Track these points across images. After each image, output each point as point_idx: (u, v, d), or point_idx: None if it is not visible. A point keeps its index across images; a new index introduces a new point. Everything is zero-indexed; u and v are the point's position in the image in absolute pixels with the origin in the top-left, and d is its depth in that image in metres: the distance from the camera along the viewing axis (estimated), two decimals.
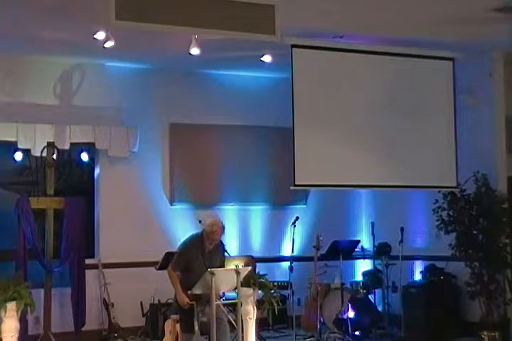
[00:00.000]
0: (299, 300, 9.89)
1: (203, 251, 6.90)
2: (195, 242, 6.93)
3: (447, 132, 8.99)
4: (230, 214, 10.13)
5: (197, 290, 6.72)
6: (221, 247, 7.08)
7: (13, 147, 9.03)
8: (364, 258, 10.53)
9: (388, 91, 8.78)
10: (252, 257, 9.62)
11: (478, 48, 8.72)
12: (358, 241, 9.60)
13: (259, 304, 7.29)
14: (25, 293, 6.61)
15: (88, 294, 8.94)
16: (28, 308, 6.70)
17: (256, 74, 10.21)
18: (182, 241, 7.15)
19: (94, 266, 9.27)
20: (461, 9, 7.42)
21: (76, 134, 9.26)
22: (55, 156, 8.77)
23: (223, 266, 6.98)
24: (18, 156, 9.11)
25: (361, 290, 9.25)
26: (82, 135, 9.30)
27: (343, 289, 9.01)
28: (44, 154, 8.74)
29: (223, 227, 6.93)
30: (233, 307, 7.17)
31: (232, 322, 6.97)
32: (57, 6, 6.99)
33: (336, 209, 10.67)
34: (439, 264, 9.36)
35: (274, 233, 10.34)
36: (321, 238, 9.28)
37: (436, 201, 8.94)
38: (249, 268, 7.04)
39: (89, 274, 9.10)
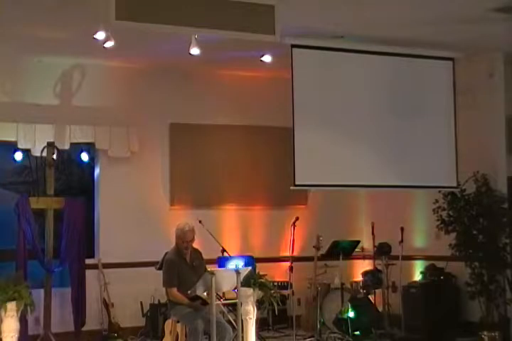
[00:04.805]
0: (299, 300, 9.89)
1: (185, 261, 7.24)
2: (174, 256, 7.27)
3: (447, 132, 8.98)
4: (230, 214, 10.14)
5: (197, 291, 6.73)
6: (199, 254, 7.43)
7: (13, 147, 9.03)
8: (364, 258, 10.51)
9: (388, 91, 8.76)
10: (252, 257, 9.63)
11: (478, 48, 8.72)
12: (358, 241, 9.59)
13: (259, 304, 7.28)
14: (25, 293, 6.59)
15: (88, 294, 8.95)
16: (28, 308, 6.68)
17: (256, 74, 10.21)
18: (161, 261, 7.35)
19: (94, 266, 9.26)
20: (461, 9, 7.41)
21: (76, 134, 9.27)
22: (55, 156, 8.77)
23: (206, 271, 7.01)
24: (18, 156, 9.11)
25: (361, 290, 9.26)
26: (82, 135, 9.31)
27: (343, 289, 9.01)
28: (44, 154, 8.73)
29: (193, 230, 7.31)
30: (233, 307, 7.17)
31: (232, 322, 6.97)
32: (57, 6, 6.98)
33: (336, 209, 10.64)
34: (439, 264, 9.37)
35: (274, 233, 10.32)
36: (321, 238, 9.28)
37: (436, 201, 8.96)
38: (249, 268, 7.05)
39: (89, 274, 9.09)
